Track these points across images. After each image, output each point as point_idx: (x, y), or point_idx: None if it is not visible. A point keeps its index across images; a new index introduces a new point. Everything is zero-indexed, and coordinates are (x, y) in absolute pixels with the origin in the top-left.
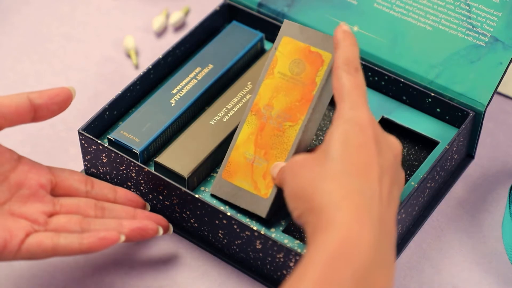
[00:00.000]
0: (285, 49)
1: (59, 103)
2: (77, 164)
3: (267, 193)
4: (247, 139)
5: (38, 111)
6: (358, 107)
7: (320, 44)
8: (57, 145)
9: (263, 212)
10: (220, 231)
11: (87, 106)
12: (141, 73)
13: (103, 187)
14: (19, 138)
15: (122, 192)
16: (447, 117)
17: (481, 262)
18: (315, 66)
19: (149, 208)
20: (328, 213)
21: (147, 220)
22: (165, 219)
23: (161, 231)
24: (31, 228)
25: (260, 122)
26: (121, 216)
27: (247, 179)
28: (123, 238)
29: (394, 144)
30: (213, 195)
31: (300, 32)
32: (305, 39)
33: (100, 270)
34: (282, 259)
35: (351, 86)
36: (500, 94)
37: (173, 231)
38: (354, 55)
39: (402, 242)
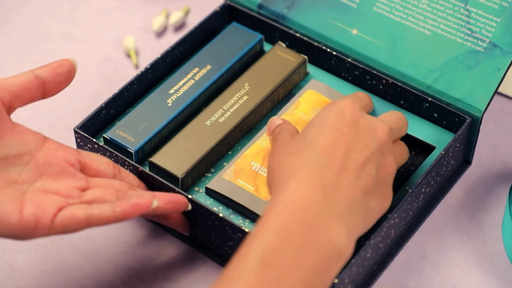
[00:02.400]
0: (309, 98)
1: (64, 74)
2: None
3: (268, 197)
4: (256, 153)
5: (46, 85)
6: (342, 99)
7: None
8: None
9: (260, 210)
10: (213, 232)
11: (87, 106)
12: (139, 73)
13: (129, 174)
14: None
15: (143, 185)
16: (444, 122)
17: (481, 262)
18: None
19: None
20: (284, 180)
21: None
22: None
23: (190, 206)
24: (64, 202)
25: None
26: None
27: (249, 182)
28: (155, 203)
29: (376, 129)
30: (209, 193)
31: (325, 90)
32: (329, 96)
33: (100, 270)
34: None
35: (348, 96)
36: (500, 94)
37: (168, 231)
38: (367, 99)
39: (395, 247)
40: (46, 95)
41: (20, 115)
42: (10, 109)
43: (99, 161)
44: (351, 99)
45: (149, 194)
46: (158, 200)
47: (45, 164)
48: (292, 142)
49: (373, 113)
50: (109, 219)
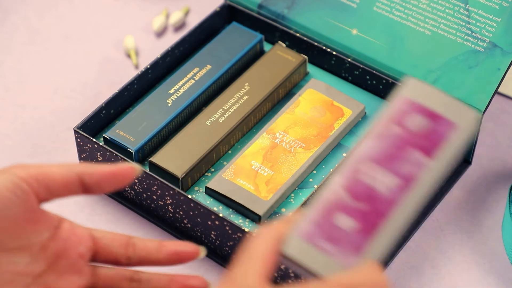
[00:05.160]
0: (309, 97)
1: (113, 185)
2: None
3: (267, 196)
4: (256, 152)
5: (88, 189)
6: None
7: (343, 102)
8: (57, 145)
9: (260, 210)
10: (213, 232)
11: (87, 106)
12: (139, 73)
13: (146, 246)
14: (19, 138)
15: (170, 247)
16: None
17: (481, 262)
18: (335, 115)
19: (203, 252)
20: None
21: None
22: (205, 280)
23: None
24: None
25: (273, 142)
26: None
27: (249, 182)
28: None
29: None
30: (209, 192)
31: (325, 89)
32: (329, 95)
33: None
34: None
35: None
36: (500, 94)
37: (168, 231)
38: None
39: (395, 247)
40: (86, 193)
41: (20, 116)
42: (42, 202)
43: (112, 246)
44: None
45: None
46: None
47: (54, 257)
48: None
49: (373, 114)
50: None
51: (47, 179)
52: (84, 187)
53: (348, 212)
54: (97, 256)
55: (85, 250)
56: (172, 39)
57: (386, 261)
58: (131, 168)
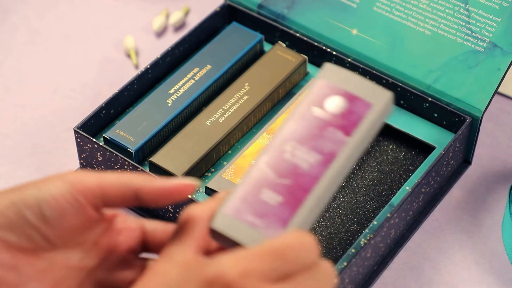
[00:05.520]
0: None
1: (169, 201)
2: (76, 164)
3: None
4: (256, 152)
5: (143, 203)
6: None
7: None
8: (57, 145)
9: None
10: None
11: (87, 106)
12: (139, 73)
13: None
14: (19, 138)
15: None
16: (444, 122)
17: (481, 262)
18: None
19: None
20: None
21: None
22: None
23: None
24: None
25: None
26: None
27: None
28: None
29: None
30: (209, 192)
31: None
32: None
33: None
34: None
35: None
36: (500, 94)
37: None
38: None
39: (395, 247)
40: (141, 206)
41: (20, 116)
42: (97, 210)
43: (163, 237)
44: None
45: None
46: None
47: (106, 251)
48: None
49: None
50: None
51: (103, 193)
52: (140, 201)
53: (273, 188)
54: (149, 248)
55: (135, 245)
56: (172, 39)
57: (386, 261)
58: (190, 185)
